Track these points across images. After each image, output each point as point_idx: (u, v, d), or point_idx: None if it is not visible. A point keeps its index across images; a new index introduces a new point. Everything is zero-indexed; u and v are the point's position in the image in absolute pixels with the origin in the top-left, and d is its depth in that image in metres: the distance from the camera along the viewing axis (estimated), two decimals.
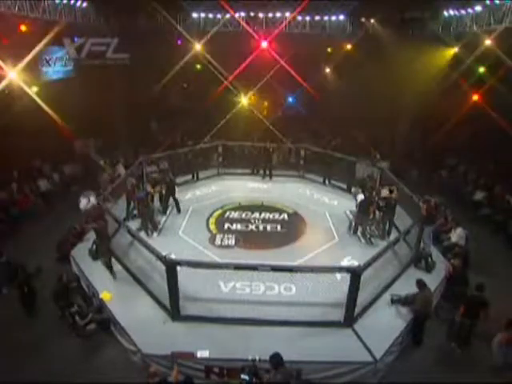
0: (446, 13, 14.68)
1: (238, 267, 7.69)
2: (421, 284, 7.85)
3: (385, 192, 11.26)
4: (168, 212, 12.18)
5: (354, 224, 11.16)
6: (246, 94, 20.63)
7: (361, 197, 10.78)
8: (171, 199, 12.29)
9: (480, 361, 7.40)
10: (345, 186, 14.25)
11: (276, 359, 5.90)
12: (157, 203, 12.03)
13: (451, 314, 8.01)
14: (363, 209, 10.73)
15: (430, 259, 9.50)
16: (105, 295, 8.18)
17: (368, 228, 10.89)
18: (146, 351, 6.92)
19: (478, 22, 13.21)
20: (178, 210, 12.24)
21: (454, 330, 7.78)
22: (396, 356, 7.40)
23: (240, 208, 12.57)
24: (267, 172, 15.44)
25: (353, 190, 13.62)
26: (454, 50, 15.81)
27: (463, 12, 13.90)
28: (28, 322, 8.14)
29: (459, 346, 7.66)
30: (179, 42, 18.27)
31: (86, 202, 11.93)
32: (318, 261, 9.39)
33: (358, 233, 11.05)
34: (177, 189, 13.25)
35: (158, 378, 6.07)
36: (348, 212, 12.39)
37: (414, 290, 7.95)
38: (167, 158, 14.64)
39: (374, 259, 7.74)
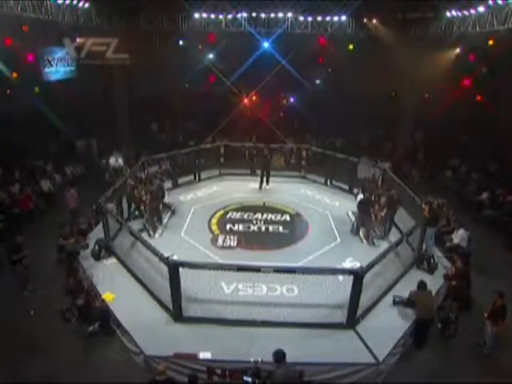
0: (448, 13, 14.61)
1: (241, 268, 7.68)
2: (420, 285, 7.88)
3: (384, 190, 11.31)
4: (169, 213, 12.17)
5: (355, 225, 11.14)
6: (247, 95, 20.66)
7: (360, 197, 10.76)
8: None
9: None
10: (347, 187, 14.23)
11: (279, 355, 5.90)
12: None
13: (447, 315, 8.05)
14: (363, 209, 10.70)
15: (432, 260, 9.49)
16: (107, 296, 8.19)
17: (371, 230, 10.85)
18: (148, 353, 6.92)
19: (480, 23, 13.16)
20: (173, 212, 12.22)
21: (451, 329, 7.93)
22: (399, 357, 7.39)
23: (242, 209, 12.56)
24: (265, 178, 14.40)
25: (354, 190, 13.62)
26: (457, 50, 15.78)
27: (466, 13, 13.84)
28: (29, 322, 8.13)
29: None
30: (181, 43, 18.25)
31: (114, 160, 15.55)
32: (320, 262, 9.36)
33: (360, 234, 11.04)
34: (178, 190, 13.29)
35: (164, 376, 6.16)
36: (350, 213, 12.37)
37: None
38: (169, 158, 14.63)
39: (377, 261, 7.73)
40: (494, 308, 7.41)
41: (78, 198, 12.30)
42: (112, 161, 15.71)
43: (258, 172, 15.09)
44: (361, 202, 10.85)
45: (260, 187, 14.30)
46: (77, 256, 9.67)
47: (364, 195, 11.05)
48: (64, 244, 9.95)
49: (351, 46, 17.84)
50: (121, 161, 15.60)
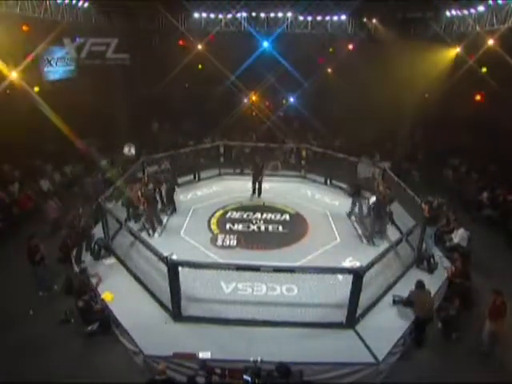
0: (448, 13, 14.63)
1: (240, 268, 7.68)
2: (418, 285, 7.92)
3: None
4: (169, 212, 12.18)
5: (370, 229, 10.89)
6: (247, 94, 20.67)
7: (373, 200, 10.59)
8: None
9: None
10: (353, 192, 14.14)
11: (285, 369, 5.96)
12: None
13: (449, 312, 8.05)
14: (376, 211, 10.56)
15: (432, 260, 9.47)
16: (106, 296, 8.17)
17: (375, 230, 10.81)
18: (147, 352, 6.90)
19: (480, 23, 13.17)
20: (174, 210, 12.24)
21: (450, 324, 7.94)
22: (398, 357, 7.38)
23: (241, 208, 12.54)
24: (257, 188, 13.46)
25: (347, 188, 13.49)
26: (457, 50, 15.77)
27: (466, 12, 13.86)
28: (30, 322, 8.12)
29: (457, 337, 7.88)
30: (181, 42, 18.29)
31: (128, 150, 16.34)
32: (319, 261, 9.34)
33: (360, 232, 11.04)
34: (178, 189, 13.29)
35: (165, 376, 6.16)
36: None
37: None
38: (169, 158, 14.65)
39: (377, 260, 7.72)
40: (494, 306, 7.41)
41: (58, 209, 11.96)
42: (125, 150, 16.41)
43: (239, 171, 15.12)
44: (374, 205, 10.64)
45: (252, 196, 13.39)
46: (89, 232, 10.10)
47: (377, 197, 10.79)
48: (79, 215, 10.44)
49: (351, 46, 17.87)
50: (133, 150, 16.29)
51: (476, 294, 8.94)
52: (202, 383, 6.19)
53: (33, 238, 8.98)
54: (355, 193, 12.16)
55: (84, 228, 10.35)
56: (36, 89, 15.66)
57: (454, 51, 15.88)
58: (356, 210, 12.01)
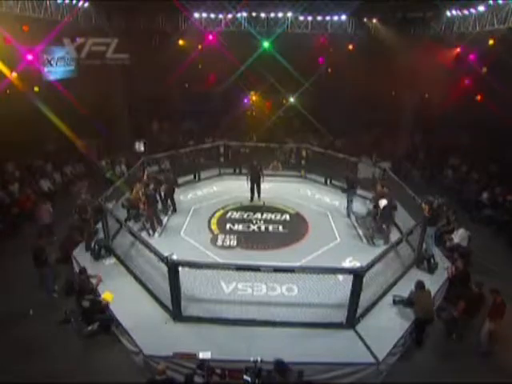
0: (448, 13, 14.63)
1: (240, 268, 7.67)
2: (418, 285, 7.92)
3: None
4: (170, 212, 12.17)
5: (371, 231, 10.90)
6: (247, 94, 20.68)
7: (384, 202, 10.57)
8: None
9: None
10: (346, 187, 14.15)
11: (283, 367, 5.95)
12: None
13: (451, 313, 8.03)
14: (386, 214, 10.51)
15: (432, 260, 9.47)
16: (106, 296, 8.16)
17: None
18: (147, 352, 6.90)
19: (480, 23, 13.17)
20: (174, 210, 12.24)
21: (452, 325, 7.91)
22: (398, 357, 7.38)
23: (242, 208, 12.55)
24: (256, 191, 13.06)
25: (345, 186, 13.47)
26: (457, 50, 15.77)
27: (466, 12, 13.86)
28: (30, 322, 8.11)
29: (457, 338, 7.84)
30: (181, 42, 18.29)
31: (138, 145, 17.36)
32: (319, 261, 9.33)
33: (360, 233, 11.04)
34: (178, 189, 13.29)
35: (165, 376, 6.16)
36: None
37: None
38: (169, 158, 14.64)
39: (377, 260, 7.71)
40: (495, 306, 7.40)
41: (52, 214, 11.45)
42: (137, 146, 17.44)
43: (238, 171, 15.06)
44: (385, 208, 10.51)
45: (251, 199, 13.04)
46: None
47: (387, 200, 10.65)
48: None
49: (351, 46, 17.88)
50: (142, 147, 17.14)
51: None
52: (200, 383, 6.17)
53: (42, 236, 8.97)
54: (349, 188, 12.11)
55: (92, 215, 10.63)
56: (36, 89, 15.69)
57: (454, 51, 15.87)
58: (352, 206, 12.01)
